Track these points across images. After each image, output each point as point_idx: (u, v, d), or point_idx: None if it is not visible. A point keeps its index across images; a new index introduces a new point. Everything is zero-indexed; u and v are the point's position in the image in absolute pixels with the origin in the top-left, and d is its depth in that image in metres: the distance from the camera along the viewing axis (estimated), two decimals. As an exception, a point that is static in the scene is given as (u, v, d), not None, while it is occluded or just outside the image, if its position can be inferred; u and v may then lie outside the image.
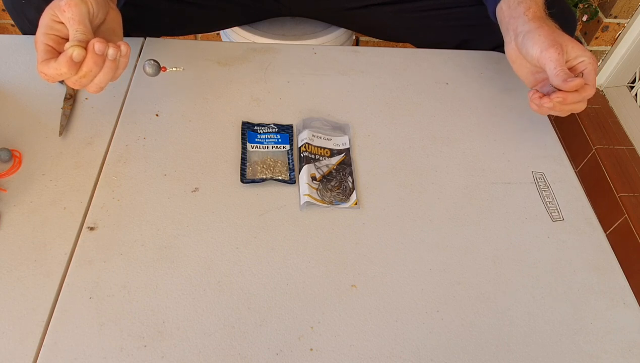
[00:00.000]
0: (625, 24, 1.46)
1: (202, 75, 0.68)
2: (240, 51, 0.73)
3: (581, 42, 1.55)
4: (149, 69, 0.58)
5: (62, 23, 0.51)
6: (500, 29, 0.66)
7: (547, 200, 0.59)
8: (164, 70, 0.59)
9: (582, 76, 0.59)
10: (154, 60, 0.58)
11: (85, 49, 0.50)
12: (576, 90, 0.58)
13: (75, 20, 0.50)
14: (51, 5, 0.51)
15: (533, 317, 0.49)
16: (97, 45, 0.50)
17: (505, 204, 0.58)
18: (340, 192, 0.56)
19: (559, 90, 0.58)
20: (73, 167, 0.56)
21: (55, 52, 0.51)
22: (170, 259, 0.49)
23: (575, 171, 0.66)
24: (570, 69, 0.60)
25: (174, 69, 0.61)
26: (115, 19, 0.58)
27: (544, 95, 0.60)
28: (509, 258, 0.53)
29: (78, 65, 0.50)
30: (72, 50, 0.49)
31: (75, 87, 0.52)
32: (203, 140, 0.60)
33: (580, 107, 0.60)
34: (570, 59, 0.59)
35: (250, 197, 0.55)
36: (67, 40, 0.51)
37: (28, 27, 0.72)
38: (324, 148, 0.60)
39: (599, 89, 1.61)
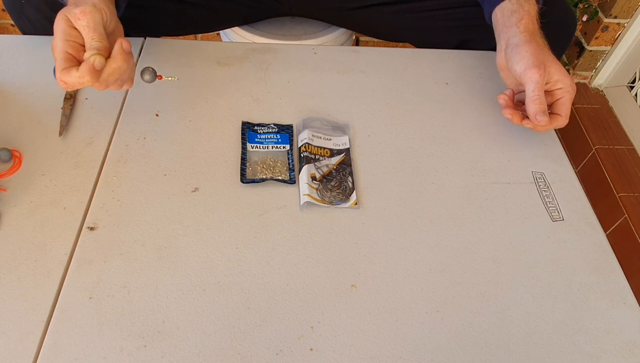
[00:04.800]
0: (625, 24, 1.46)
1: (202, 75, 0.68)
2: (240, 51, 0.73)
3: (581, 42, 1.55)
4: (146, 76, 0.59)
5: (77, 30, 0.52)
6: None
7: (547, 200, 0.59)
8: (159, 79, 0.60)
9: (558, 102, 0.61)
10: (151, 68, 0.59)
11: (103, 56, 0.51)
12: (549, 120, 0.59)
13: (91, 28, 0.51)
14: (64, 11, 0.52)
15: (533, 317, 0.49)
16: (124, 43, 0.52)
17: (505, 204, 0.58)
18: (340, 192, 0.56)
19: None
20: (73, 167, 0.56)
21: (75, 60, 0.52)
22: (170, 259, 0.49)
23: (575, 171, 0.66)
24: (549, 92, 0.61)
25: (169, 78, 0.62)
26: (119, 28, 0.59)
27: (511, 103, 0.62)
28: (509, 258, 0.53)
29: (99, 72, 0.51)
30: (94, 59, 0.50)
31: (100, 89, 0.53)
32: (203, 140, 0.60)
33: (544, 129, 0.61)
34: (551, 81, 0.60)
35: (250, 197, 0.55)
36: (82, 46, 0.52)
37: (28, 27, 0.72)
38: (324, 148, 0.60)
39: (599, 89, 1.61)
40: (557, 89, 0.61)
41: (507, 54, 0.62)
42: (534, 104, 0.59)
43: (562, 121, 0.60)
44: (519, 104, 0.65)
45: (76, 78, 0.50)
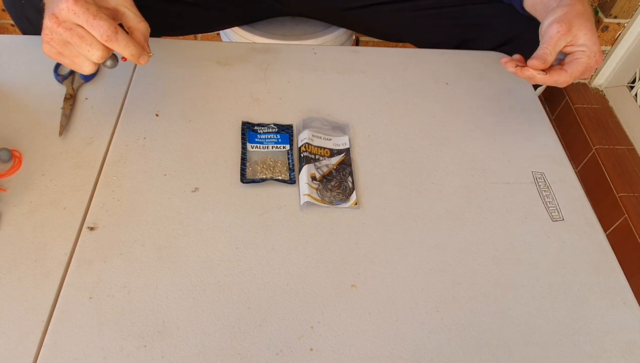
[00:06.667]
0: (625, 24, 1.46)
1: (202, 75, 0.68)
2: (240, 51, 0.73)
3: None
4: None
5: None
6: (529, 17, 0.66)
7: (547, 200, 0.59)
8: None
9: (573, 60, 0.57)
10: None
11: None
12: (547, 74, 0.56)
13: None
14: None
15: (533, 317, 0.49)
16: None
17: (505, 204, 0.58)
18: (340, 192, 0.56)
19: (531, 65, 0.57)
20: (73, 167, 0.56)
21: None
22: (170, 259, 0.49)
23: (575, 171, 0.66)
24: (569, 53, 0.59)
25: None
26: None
27: (511, 59, 0.59)
28: (509, 259, 0.53)
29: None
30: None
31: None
32: (203, 140, 0.60)
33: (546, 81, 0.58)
34: (575, 44, 0.57)
35: (250, 197, 0.55)
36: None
37: (28, 27, 0.72)
38: (324, 148, 0.60)
39: (598, 89, 1.61)
40: (579, 50, 0.57)
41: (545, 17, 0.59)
42: (537, 54, 0.55)
43: (564, 77, 0.56)
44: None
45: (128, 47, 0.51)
